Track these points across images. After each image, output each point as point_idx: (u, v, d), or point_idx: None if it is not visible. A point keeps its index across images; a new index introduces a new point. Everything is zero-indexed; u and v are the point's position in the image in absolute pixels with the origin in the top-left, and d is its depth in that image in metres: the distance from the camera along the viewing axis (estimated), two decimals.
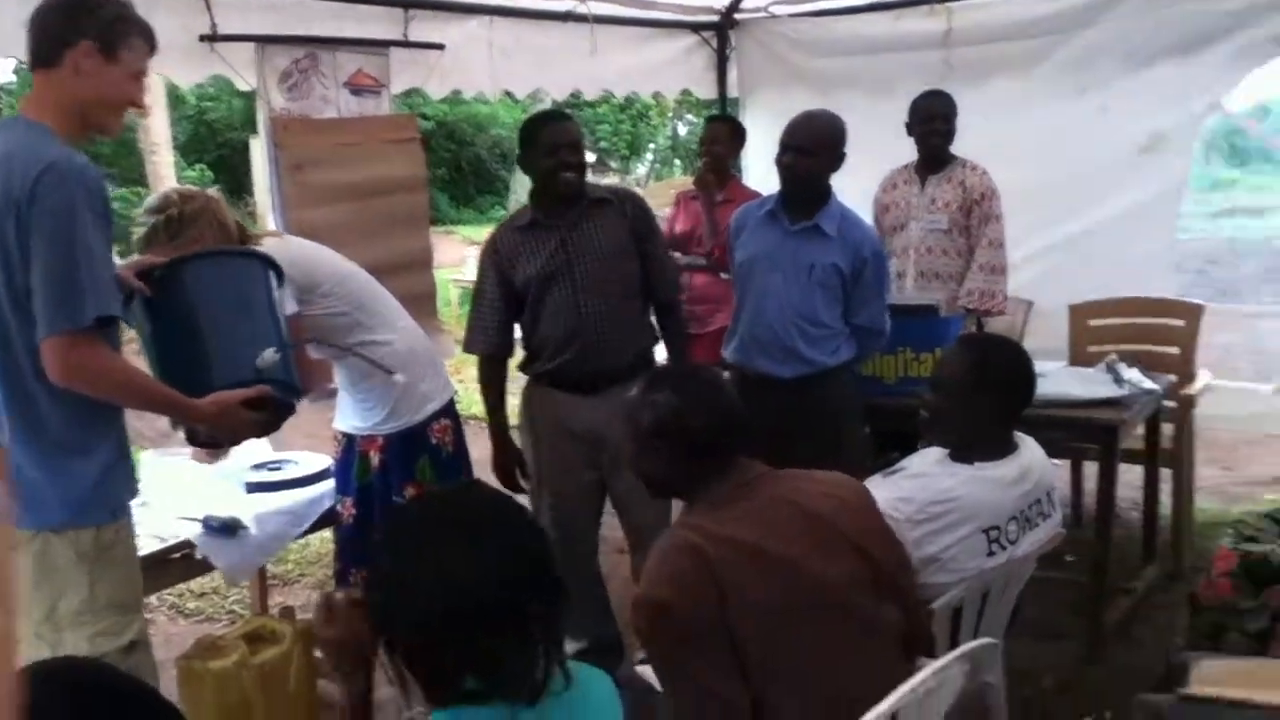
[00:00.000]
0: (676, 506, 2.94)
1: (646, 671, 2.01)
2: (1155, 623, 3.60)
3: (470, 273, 3.72)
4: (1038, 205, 4.59)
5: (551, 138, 3.04)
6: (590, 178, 3.25)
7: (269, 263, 2.48)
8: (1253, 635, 2.59)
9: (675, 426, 1.91)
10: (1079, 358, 4.18)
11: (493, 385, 3.24)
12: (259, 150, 4.35)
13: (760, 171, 5.17)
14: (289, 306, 2.58)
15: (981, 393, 2.31)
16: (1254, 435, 5.28)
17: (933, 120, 4.00)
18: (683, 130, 20.88)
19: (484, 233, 3.44)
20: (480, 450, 3.27)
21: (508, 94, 5.24)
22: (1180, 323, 4.25)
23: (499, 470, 3.27)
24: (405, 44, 4.43)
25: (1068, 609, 3.54)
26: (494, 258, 3.16)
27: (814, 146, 3.20)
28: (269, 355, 2.26)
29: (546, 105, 6.15)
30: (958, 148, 4.06)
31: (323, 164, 4.09)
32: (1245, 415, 4.88)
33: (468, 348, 3.25)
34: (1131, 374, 3.53)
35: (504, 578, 1.33)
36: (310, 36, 4.12)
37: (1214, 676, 2.15)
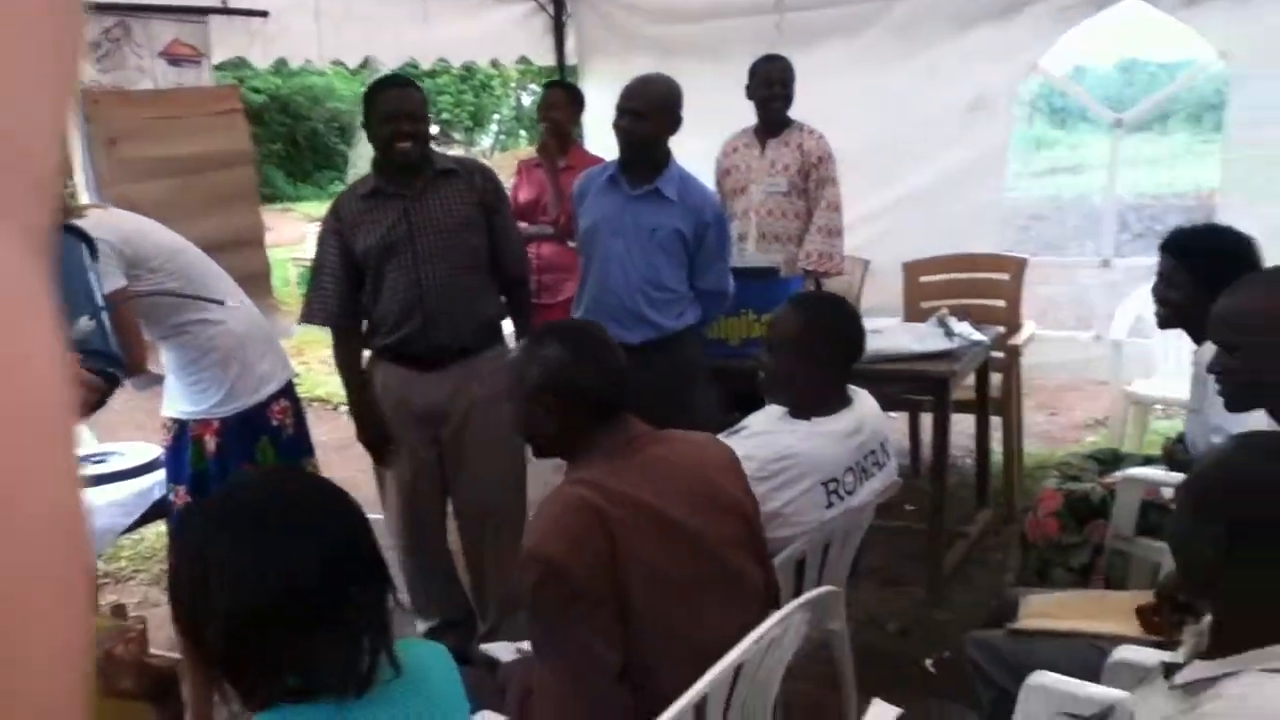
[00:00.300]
0: (534, 484, 2.91)
1: (494, 647, 2.00)
2: (990, 564, 3.78)
3: (310, 250, 3.59)
4: (871, 166, 4.71)
5: (389, 105, 2.95)
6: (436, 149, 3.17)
7: (80, 235, 2.36)
8: (1076, 570, 2.74)
9: (565, 382, 1.87)
10: (913, 313, 4.32)
11: (347, 360, 3.14)
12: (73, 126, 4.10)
13: (601, 139, 5.14)
14: (115, 281, 2.46)
15: (812, 350, 2.37)
16: (1077, 381, 5.58)
17: (771, 85, 4.04)
18: (526, 101, 20.61)
19: (324, 209, 3.32)
20: (321, 433, 3.17)
21: (338, 64, 5.06)
22: (1006, 276, 4.44)
23: (366, 444, 3.17)
24: (225, 11, 4.24)
25: (908, 555, 3.68)
26: (335, 225, 3.05)
27: (649, 109, 3.20)
28: (83, 324, 2.17)
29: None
30: (791, 111, 4.12)
31: (139, 138, 3.88)
32: (1068, 362, 5.15)
33: (305, 318, 3.14)
34: (961, 327, 3.67)
35: (323, 566, 1.25)
36: (120, 3, 3.89)
37: (1040, 610, 2.26)
